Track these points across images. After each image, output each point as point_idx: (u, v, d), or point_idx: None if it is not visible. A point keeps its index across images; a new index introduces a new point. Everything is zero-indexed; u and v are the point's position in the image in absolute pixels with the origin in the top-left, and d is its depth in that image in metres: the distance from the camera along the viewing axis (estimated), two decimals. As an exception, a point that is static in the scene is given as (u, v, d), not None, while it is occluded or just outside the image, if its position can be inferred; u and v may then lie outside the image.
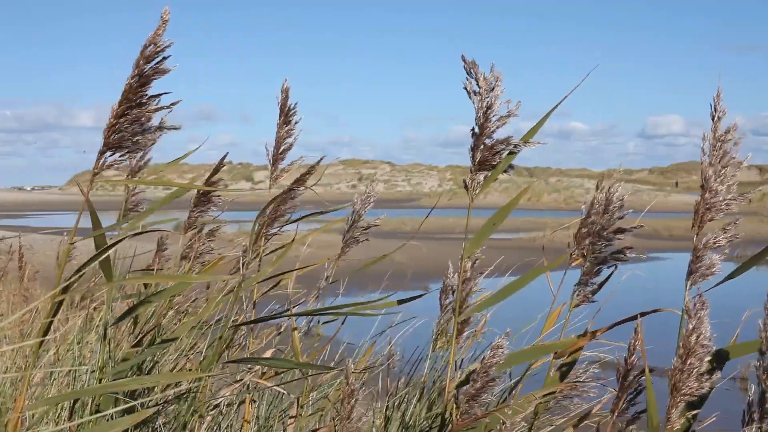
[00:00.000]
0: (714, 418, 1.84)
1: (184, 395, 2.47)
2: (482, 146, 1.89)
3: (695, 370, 1.56)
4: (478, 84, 1.85)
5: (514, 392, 2.40)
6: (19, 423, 1.61)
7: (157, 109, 1.67)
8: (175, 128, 1.76)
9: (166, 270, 3.00)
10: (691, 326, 1.56)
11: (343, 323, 2.85)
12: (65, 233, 5.00)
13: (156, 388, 2.49)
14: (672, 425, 1.58)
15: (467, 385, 1.89)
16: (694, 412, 1.63)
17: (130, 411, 2.20)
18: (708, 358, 1.57)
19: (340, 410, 1.90)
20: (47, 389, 2.56)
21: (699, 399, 1.62)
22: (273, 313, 2.63)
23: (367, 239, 2.71)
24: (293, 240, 2.66)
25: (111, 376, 2.23)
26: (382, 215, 2.85)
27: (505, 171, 1.94)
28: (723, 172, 1.74)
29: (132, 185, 2.74)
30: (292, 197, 2.61)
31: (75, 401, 2.26)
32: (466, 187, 1.92)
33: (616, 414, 1.76)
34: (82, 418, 2.22)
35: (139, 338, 2.46)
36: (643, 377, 1.70)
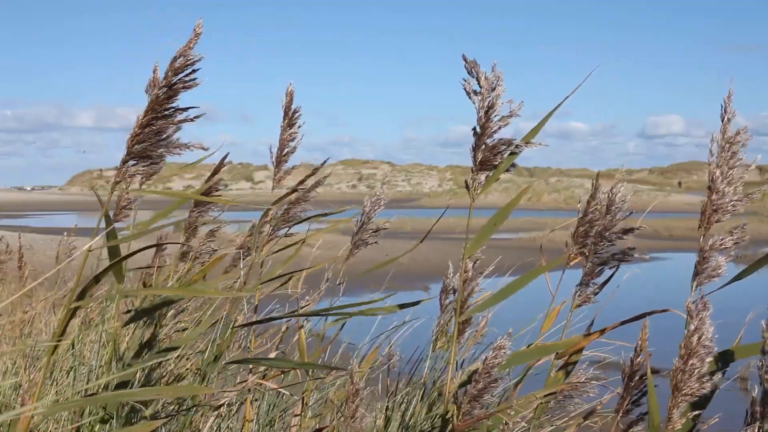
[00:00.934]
0: (717, 419, 1.84)
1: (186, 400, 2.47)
2: (483, 146, 1.88)
3: (696, 370, 1.56)
4: (479, 83, 1.84)
5: (513, 392, 2.40)
6: (29, 425, 1.61)
7: (181, 122, 1.66)
8: (203, 148, 1.76)
9: (165, 269, 3.00)
10: (692, 327, 1.56)
11: (343, 327, 2.85)
12: (65, 233, 5.00)
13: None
14: (673, 425, 1.58)
15: (469, 386, 1.89)
16: (696, 412, 1.63)
17: (134, 410, 2.20)
18: (709, 359, 1.57)
19: (344, 410, 1.90)
20: (47, 389, 2.56)
21: (702, 400, 1.62)
22: (276, 314, 2.63)
23: (376, 242, 2.71)
24: (303, 241, 2.67)
25: (117, 379, 2.23)
26: (392, 217, 2.85)
27: (506, 171, 1.93)
28: (730, 173, 1.74)
29: (126, 185, 2.74)
30: (305, 200, 2.64)
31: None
32: (467, 187, 1.92)
33: (620, 414, 1.76)
34: (90, 422, 2.22)
35: (146, 341, 2.46)
36: (646, 378, 1.70)
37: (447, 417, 2.07)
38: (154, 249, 3.02)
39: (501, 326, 2.61)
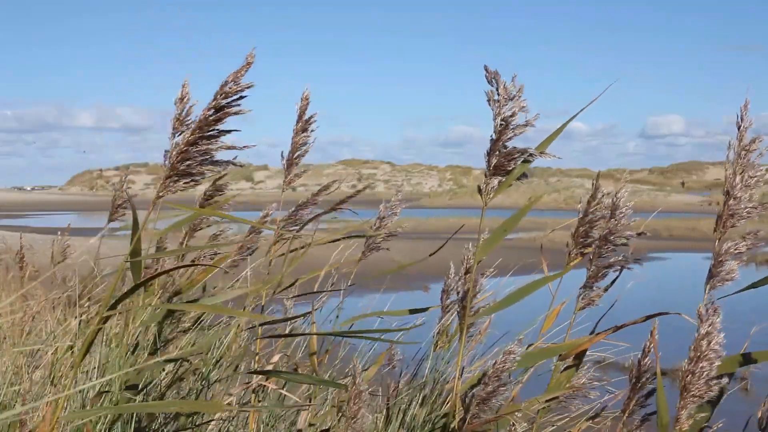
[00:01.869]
0: (722, 423, 1.85)
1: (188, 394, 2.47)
2: (498, 152, 1.91)
3: (705, 373, 1.58)
4: (498, 93, 1.88)
5: (514, 391, 2.40)
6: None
7: (229, 147, 1.71)
8: (242, 165, 1.80)
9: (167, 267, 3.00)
10: (703, 331, 1.58)
11: (351, 327, 2.85)
12: (59, 232, 5.01)
13: (161, 386, 2.49)
14: (681, 426, 1.59)
15: (477, 388, 1.91)
16: (703, 414, 1.64)
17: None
18: (718, 363, 1.59)
19: (345, 410, 1.90)
20: (46, 389, 2.57)
21: (711, 403, 1.64)
22: (283, 319, 2.63)
23: (388, 249, 2.72)
24: (310, 244, 2.68)
25: (124, 382, 2.25)
26: (403, 219, 2.85)
27: (518, 178, 1.96)
28: (749, 180, 1.76)
29: (123, 183, 2.75)
30: (314, 203, 2.67)
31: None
32: (480, 191, 1.95)
33: (626, 415, 1.77)
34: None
35: (160, 347, 2.48)
36: (655, 379, 1.72)
37: (451, 418, 2.07)
38: (154, 251, 3.02)
39: (501, 326, 2.62)
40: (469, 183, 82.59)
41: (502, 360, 1.87)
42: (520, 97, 1.88)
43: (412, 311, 2.27)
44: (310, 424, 2.53)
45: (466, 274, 2.25)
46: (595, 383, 2.01)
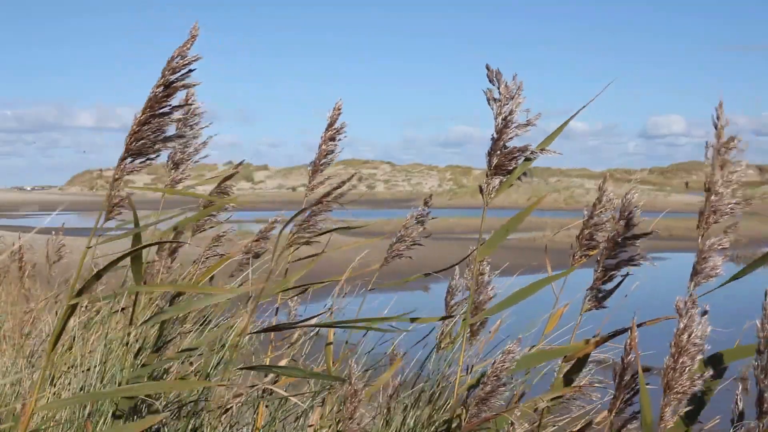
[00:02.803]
0: (718, 420, 1.85)
1: (193, 401, 2.47)
2: (499, 151, 1.91)
3: (687, 368, 1.56)
4: (499, 92, 1.88)
5: (517, 392, 2.40)
6: (28, 423, 1.61)
7: (179, 120, 1.70)
8: (195, 136, 1.80)
9: (172, 270, 3.00)
10: (682, 325, 1.56)
11: (365, 335, 2.85)
12: (53, 232, 5.01)
13: (164, 394, 2.50)
14: (665, 424, 1.58)
15: (477, 388, 1.91)
16: (687, 409, 1.63)
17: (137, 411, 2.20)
18: (699, 357, 1.57)
19: (343, 410, 1.90)
20: (46, 389, 2.56)
21: (698, 400, 1.63)
22: (286, 321, 2.63)
23: (410, 257, 2.72)
24: (322, 251, 2.69)
25: (126, 381, 2.24)
26: (393, 218, 2.84)
27: (518, 178, 1.96)
28: (729, 176, 1.76)
29: (120, 184, 2.75)
30: (327, 209, 2.67)
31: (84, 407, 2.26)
32: (481, 191, 1.95)
33: (613, 414, 1.77)
34: (81, 418, 2.22)
35: (158, 346, 2.47)
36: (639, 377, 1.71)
37: (452, 418, 2.08)
38: (157, 252, 3.02)
39: (504, 328, 2.61)
40: (469, 183, 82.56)
41: (501, 360, 1.87)
42: (520, 96, 1.88)
43: (414, 320, 2.27)
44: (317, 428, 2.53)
45: (478, 276, 2.25)
46: (596, 385, 2.01)
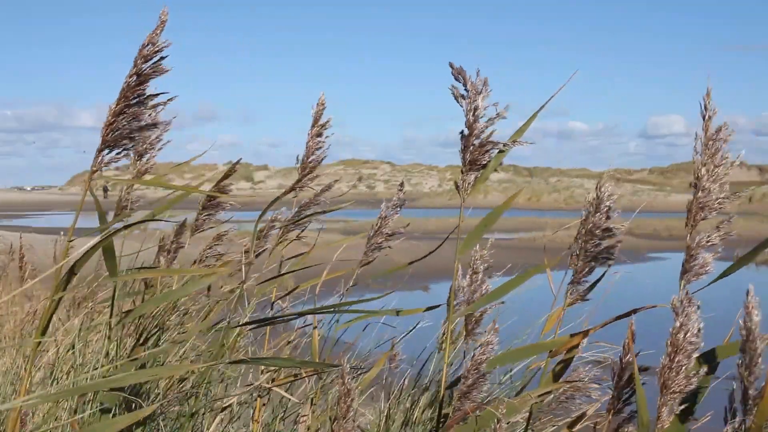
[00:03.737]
0: (708, 417, 1.85)
1: (187, 396, 2.48)
2: (471, 147, 1.91)
3: (683, 367, 1.55)
4: (465, 88, 1.88)
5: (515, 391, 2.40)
6: (18, 420, 1.61)
7: (154, 107, 1.69)
8: (170, 120, 1.79)
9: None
10: (678, 323, 1.56)
11: (364, 329, 2.86)
12: (62, 232, 5.01)
13: (160, 388, 2.50)
14: (663, 423, 1.58)
15: (459, 383, 1.90)
16: (683, 406, 1.63)
17: (132, 409, 2.20)
18: (696, 355, 1.57)
19: (336, 410, 1.91)
20: (48, 389, 2.57)
21: (692, 397, 1.63)
22: (277, 314, 2.63)
23: (390, 247, 2.71)
24: (312, 246, 2.69)
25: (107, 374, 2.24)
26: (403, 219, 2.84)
27: (495, 170, 1.96)
28: (715, 171, 1.74)
29: (127, 185, 2.75)
30: (315, 203, 2.68)
31: (80, 400, 2.26)
32: (457, 187, 1.94)
33: (611, 413, 1.77)
34: (83, 415, 2.23)
35: (144, 337, 2.47)
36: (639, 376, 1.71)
37: (442, 416, 2.08)
38: (157, 253, 3.03)
39: (505, 328, 2.62)
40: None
41: (480, 352, 1.86)
42: (486, 90, 1.88)
43: (400, 312, 2.27)
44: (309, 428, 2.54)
45: (472, 275, 2.25)
46: (592, 385, 2.01)
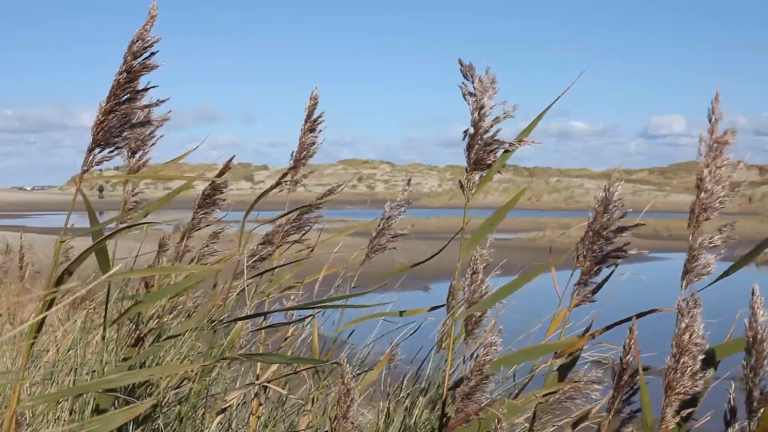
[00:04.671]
0: (709, 417, 1.84)
1: (185, 396, 2.47)
2: (477, 146, 1.90)
3: (689, 368, 1.55)
4: (473, 86, 1.87)
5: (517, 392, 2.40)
6: (14, 421, 1.61)
7: (146, 106, 1.67)
8: (165, 119, 1.77)
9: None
10: (684, 325, 1.56)
11: (351, 332, 2.85)
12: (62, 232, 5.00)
13: (158, 387, 2.50)
14: (666, 424, 1.58)
15: (462, 384, 1.90)
16: (689, 410, 1.63)
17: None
18: (701, 357, 1.56)
19: (337, 410, 1.90)
20: (47, 389, 2.57)
21: (693, 397, 1.62)
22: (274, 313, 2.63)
23: (395, 248, 2.69)
24: (315, 246, 2.69)
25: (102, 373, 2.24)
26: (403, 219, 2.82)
27: (499, 171, 1.95)
28: (718, 173, 1.74)
29: (132, 186, 2.74)
30: (318, 206, 2.67)
31: (75, 400, 2.26)
32: (462, 187, 1.93)
33: (611, 413, 1.76)
34: (83, 417, 2.22)
35: (140, 337, 2.46)
36: (638, 376, 1.71)
37: (445, 417, 2.07)
38: (156, 252, 3.02)
39: (508, 330, 2.61)
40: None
41: (483, 353, 1.86)
42: (494, 88, 1.87)
43: (404, 312, 2.26)
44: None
45: (473, 275, 2.24)
46: (594, 385, 2.00)
